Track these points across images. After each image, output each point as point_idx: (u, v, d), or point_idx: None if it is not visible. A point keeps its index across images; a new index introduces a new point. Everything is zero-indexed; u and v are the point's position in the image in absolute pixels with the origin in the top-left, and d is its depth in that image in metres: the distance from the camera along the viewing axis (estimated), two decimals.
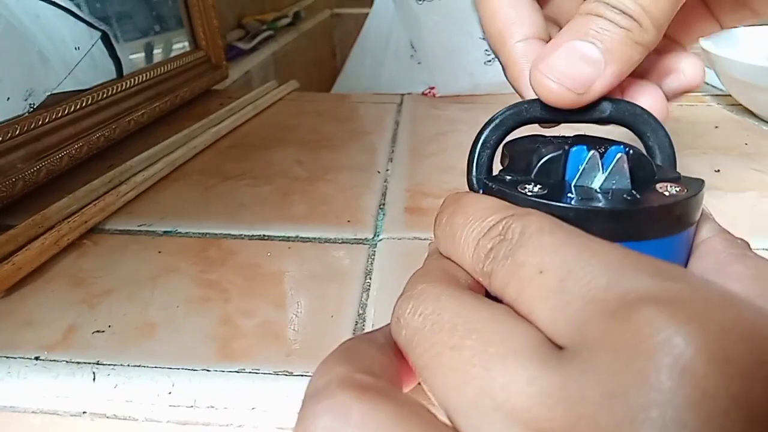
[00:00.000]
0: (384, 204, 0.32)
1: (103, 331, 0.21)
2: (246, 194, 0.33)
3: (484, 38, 0.52)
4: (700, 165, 0.38)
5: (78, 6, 0.38)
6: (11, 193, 0.29)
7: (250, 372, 0.19)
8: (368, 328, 0.21)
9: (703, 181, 0.18)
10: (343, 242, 0.28)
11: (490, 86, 0.54)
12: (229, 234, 0.28)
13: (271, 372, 0.19)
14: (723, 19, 0.24)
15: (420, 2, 0.51)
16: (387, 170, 0.37)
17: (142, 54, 0.48)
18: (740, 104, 0.48)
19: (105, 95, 0.39)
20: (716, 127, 0.45)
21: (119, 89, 0.41)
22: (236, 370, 0.19)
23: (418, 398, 0.11)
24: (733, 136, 0.43)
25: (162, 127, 0.43)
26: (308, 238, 0.28)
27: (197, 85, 0.51)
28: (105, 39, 0.41)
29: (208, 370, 0.19)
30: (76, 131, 0.35)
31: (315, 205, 0.32)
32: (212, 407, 0.18)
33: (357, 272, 0.25)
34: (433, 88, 0.56)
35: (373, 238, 0.28)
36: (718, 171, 0.36)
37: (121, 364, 0.19)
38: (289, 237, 0.28)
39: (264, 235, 0.28)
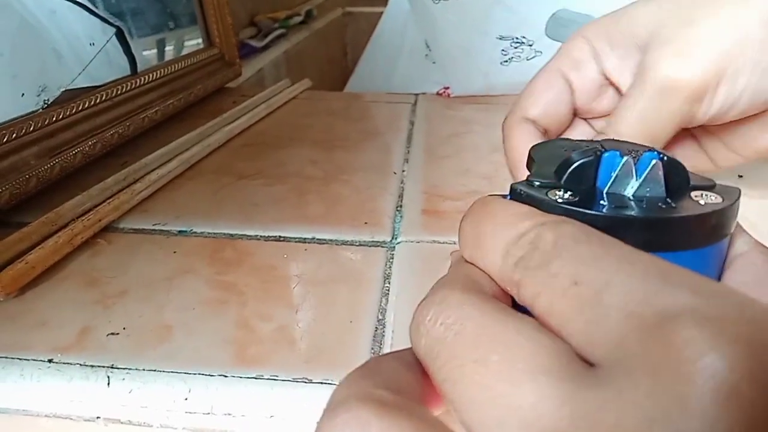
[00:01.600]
0: (401, 206, 0.31)
1: (117, 334, 0.21)
2: (260, 194, 0.33)
3: (500, 38, 0.51)
4: (723, 170, 0.37)
5: (93, 2, 0.38)
6: (24, 189, 0.29)
7: (268, 378, 0.19)
8: (388, 335, 0.21)
9: (739, 189, 0.17)
10: (360, 245, 0.27)
11: (505, 87, 0.53)
12: (244, 234, 0.28)
13: (289, 379, 0.19)
14: (717, 162, 0.28)
15: (436, 1, 0.50)
16: (403, 171, 0.36)
17: (156, 51, 0.47)
18: None
19: (119, 92, 0.38)
20: None
21: (133, 86, 0.40)
22: (254, 376, 0.19)
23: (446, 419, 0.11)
24: None
25: (176, 125, 0.43)
26: (324, 239, 0.28)
27: (211, 82, 0.51)
28: (120, 35, 0.40)
29: (225, 376, 0.19)
30: (90, 128, 0.35)
31: (331, 205, 0.31)
32: (229, 414, 0.18)
33: (376, 276, 0.25)
34: (447, 88, 0.55)
35: (391, 240, 0.28)
36: (742, 176, 0.35)
37: (137, 368, 0.19)
38: (305, 238, 0.28)
39: (280, 236, 0.28)
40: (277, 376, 0.19)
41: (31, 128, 0.31)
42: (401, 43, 0.62)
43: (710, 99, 0.23)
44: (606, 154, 0.18)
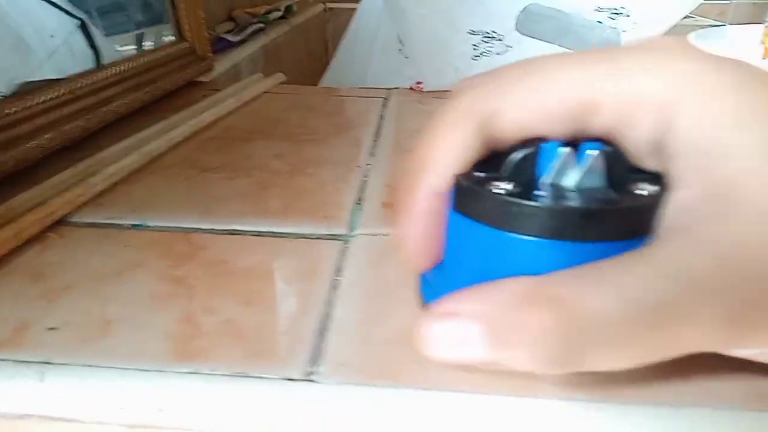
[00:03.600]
0: (362, 199, 0.31)
1: (57, 329, 0.20)
2: (221, 187, 0.32)
3: (471, 32, 0.51)
4: None
5: None
6: None
7: (205, 373, 0.18)
8: (333, 329, 0.21)
9: None
10: (317, 238, 0.27)
11: None
12: (199, 228, 0.28)
13: (227, 374, 0.18)
14: None
15: None
16: (368, 164, 0.36)
17: (124, 44, 0.46)
18: None
19: (81, 85, 0.38)
20: None
21: (96, 79, 0.40)
22: (191, 371, 0.18)
23: None
24: None
25: (141, 118, 0.42)
26: (281, 233, 0.27)
27: (180, 76, 0.50)
28: (83, 28, 0.40)
29: (161, 371, 0.18)
30: (49, 121, 0.34)
31: (292, 199, 0.31)
32: (162, 410, 0.17)
33: (328, 269, 0.24)
34: (420, 82, 0.55)
35: (347, 234, 0.27)
36: None
37: (73, 364, 0.19)
38: (261, 232, 0.27)
39: (235, 230, 0.27)
40: (215, 370, 0.18)
41: None
42: (375, 38, 0.61)
43: None
44: (546, 146, 0.17)
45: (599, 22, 0.48)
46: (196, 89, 0.53)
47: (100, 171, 0.32)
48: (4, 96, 0.32)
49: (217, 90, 0.51)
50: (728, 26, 0.52)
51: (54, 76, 0.36)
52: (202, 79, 0.58)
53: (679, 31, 0.54)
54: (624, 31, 0.49)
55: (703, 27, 0.74)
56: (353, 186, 0.32)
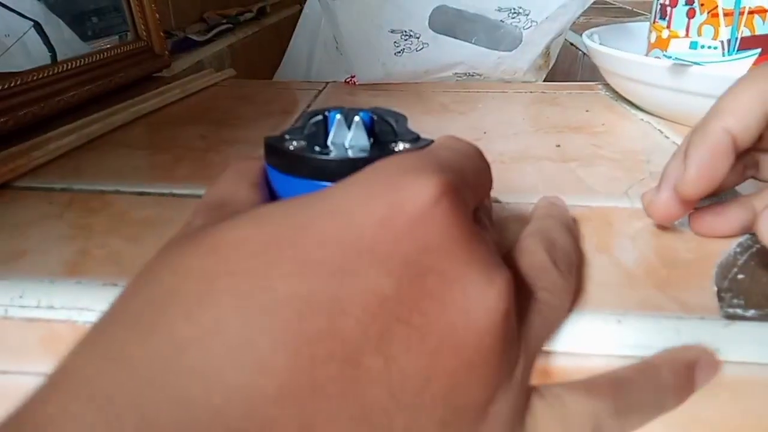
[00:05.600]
0: None
1: None
2: (143, 161, 0.39)
3: (392, 31, 0.57)
4: (547, 140, 0.43)
5: None
6: None
7: (85, 283, 0.25)
8: None
9: (432, 140, 0.23)
10: None
11: (401, 75, 0.60)
12: (115, 190, 0.34)
13: (101, 283, 0.25)
14: None
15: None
16: None
17: (81, 42, 0.53)
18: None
19: (35, 78, 0.44)
20: (587, 111, 0.50)
21: (50, 73, 0.46)
22: (75, 282, 0.25)
23: None
24: (595, 119, 0.48)
25: (94, 107, 0.49)
26: (180, 194, 0.34)
27: (134, 71, 0.57)
28: (38, 28, 0.46)
29: (52, 282, 0.25)
30: (3, 108, 0.41)
31: (199, 169, 0.37)
32: (52, 307, 0.24)
33: None
34: (353, 76, 0.62)
35: None
36: (559, 146, 0.42)
37: None
38: (163, 193, 0.34)
39: (142, 192, 0.34)
40: (93, 281, 0.25)
41: None
42: (317, 36, 0.68)
43: None
44: (331, 113, 0.24)
45: (501, 21, 0.54)
46: (152, 83, 0.59)
47: (42, 147, 0.38)
48: None
49: (169, 84, 0.57)
50: (628, 24, 0.58)
51: (9, 70, 0.43)
52: (164, 74, 0.65)
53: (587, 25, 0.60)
54: (525, 29, 0.55)
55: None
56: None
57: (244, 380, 0.13)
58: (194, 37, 0.83)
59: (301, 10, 1.38)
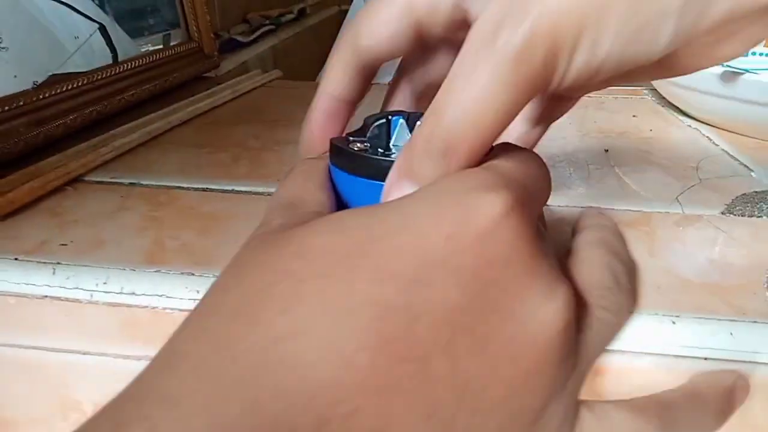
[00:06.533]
0: None
1: (66, 245, 0.29)
2: (203, 159, 0.40)
3: None
4: (595, 145, 0.44)
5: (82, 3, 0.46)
6: (13, 151, 0.37)
7: (164, 272, 0.26)
8: None
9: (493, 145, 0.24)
10: (268, 195, 0.35)
11: None
12: (179, 186, 0.36)
13: (178, 273, 0.26)
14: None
15: None
16: None
17: (139, 43, 0.55)
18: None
19: (99, 77, 0.47)
20: (634, 116, 0.51)
21: (112, 73, 0.48)
22: (154, 270, 0.26)
23: None
24: (643, 124, 0.48)
25: (150, 106, 0.51)
26: (241, 191, 0.35)
27: (187, 71, 0.59)
28: (103, 30, 0.49)
29: (134, 270, 0.26)
30: (71, 106, 0.43)
31: (256, 168, 0.39)
32: (134, 293, 0.26)
33: None
34: None
35: None
36: (607, 150, 0.42)
37: (74, 264, 0.27)
38: (225, 190, 0.35)
39: (206, 188, 0.36)
40: (170, 270, 0.26)
41: (22, 103, 0.39)
42: None
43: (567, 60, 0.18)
44: (394, 118, 0.25)
45: None
46: (203, 83, 0.62)
47: (109, 144, 0.40)
48: (36, 85, 0.41)
49: (220, 84, 0.59)
50: None
51: (77, 69, 0.45)
52: (211, 74, 0.67)
53: None
54: None
55: None
56: None
57: (333, 373, 0.15)
58: (239, 38, 0.85)
59: (339, 11, 1.40)
